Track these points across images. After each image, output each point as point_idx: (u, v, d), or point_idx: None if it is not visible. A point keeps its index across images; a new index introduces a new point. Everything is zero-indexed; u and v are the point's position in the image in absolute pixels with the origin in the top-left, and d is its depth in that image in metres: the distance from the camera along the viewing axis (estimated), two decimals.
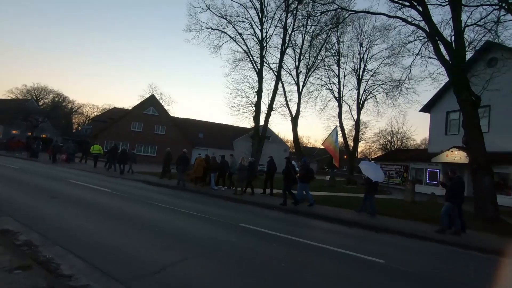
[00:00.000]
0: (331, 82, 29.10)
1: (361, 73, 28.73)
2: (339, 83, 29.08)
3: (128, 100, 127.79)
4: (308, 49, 24.45)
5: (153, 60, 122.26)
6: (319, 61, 25.12)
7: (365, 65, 28.69)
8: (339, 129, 30.30)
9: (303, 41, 23.35)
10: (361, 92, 28.92)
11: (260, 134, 20.53)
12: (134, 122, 35.80)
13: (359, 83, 28.85)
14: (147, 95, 37.02)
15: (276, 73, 20.86)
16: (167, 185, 13.30)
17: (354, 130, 29.62)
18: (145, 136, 35.66)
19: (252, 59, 20.12)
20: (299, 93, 24.45)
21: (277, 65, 20.64)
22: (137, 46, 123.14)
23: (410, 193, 13.04)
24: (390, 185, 22.82)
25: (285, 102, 24.20)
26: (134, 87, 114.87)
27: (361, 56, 28.57)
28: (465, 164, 16.93)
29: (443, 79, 15.76)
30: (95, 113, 77.81)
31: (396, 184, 23.15)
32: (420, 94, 56.18)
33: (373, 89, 28.64)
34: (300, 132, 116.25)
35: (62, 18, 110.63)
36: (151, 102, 37.19)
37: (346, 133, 29.85)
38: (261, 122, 21.30)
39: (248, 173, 11.74)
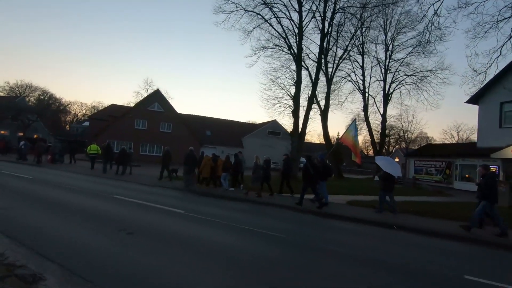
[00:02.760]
0: (355, 73, 27.05)
1: (387, 63, 26.78)
2: (363, 74, 27.09)
3: (122, 97, 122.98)
4: (337, 37, 22.18)
5: (148, 54, 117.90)
6: (349, 50, 22.92)
7: (391, 54, 26.71)
8: (359, 122, 28.36)
9: (330, 29, 20.93)
10: (387, 83, 26.99)
11: (300, 131, 18.11)
12: (138, 120, 32.99)
13: (385, 74, 26.91)
14: (143, 91, 34.52)
15: (316, 61, 18.35)
16: (175, 187, 11.91)
17: (380, 124, 27.65)
18: (150, 134, 32.92)
19: (290, 45, 17.73)
20: (329, 85, 22.23)
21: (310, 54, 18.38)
22: (127, 38, 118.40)
23: (507, 197, 11.12)
24: (428, 183, 21.03)
25: (311, 95, 21.81)
26: (126, 82, 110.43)
27: (387, 45, 26.58)
28: None
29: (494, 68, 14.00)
30: (84, 111, 74.08)
31: (436, 181, 21.36)
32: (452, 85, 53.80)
33: (400, 81, 26.72)
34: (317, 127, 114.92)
35: (41, 10, 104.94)
36: (156, 98, 34.39)
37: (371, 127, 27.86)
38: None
39: (264, 173, 10.94)
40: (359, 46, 25.82)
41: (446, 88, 50.41)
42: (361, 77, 27.16)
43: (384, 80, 27.07)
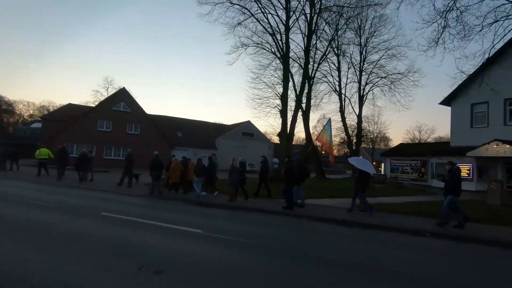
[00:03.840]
0: (331, 74, 27.32)
1: (362, 65, 27.45)
2: (339, 75, 27.49)
3: (78, 96, 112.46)
4: (316, 38, 22.02)
5: (107, 50, 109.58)
6: (328, 52, 22.94)
7: (365, 57, 27.44)
8: (333, 122, 28.76)
9: (315, 28, 20.77)
10: (362, 85, 27.68)
11: (289, 132, 17.41)
12: (101, 121, 29.94)
13: (360, 76, 27.57)
14: (103, 90, 31.53)
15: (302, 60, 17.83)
16: (139, 194, 10.65)
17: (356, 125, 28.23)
18: (115, 136, 30.07)
19: (277, 43, 16.94)
20: (310, 85, 22.00)
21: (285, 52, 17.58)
22: (82, 33, 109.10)
23: (499, 195, 11.48)
24: (404, 181, 21.80)
25: (299, 95, 21.37)
26: (81, 81, 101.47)
27: (362, 47, 27.25)
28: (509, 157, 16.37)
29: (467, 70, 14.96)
30: (32, 111, 66.36)
31: (412, 180, 22.23)
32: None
33: (374, 83, 27.56)
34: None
35: None
36: (121, 97, 31.55)
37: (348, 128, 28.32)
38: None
39: (240, 175, 10.39)
40: (335, 48, 26.09)
41: (416, 90, 53.87)
42: (337, 79, 27.52)
43: (359, 82, 27.75)
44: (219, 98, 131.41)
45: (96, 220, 6.53)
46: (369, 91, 27.67)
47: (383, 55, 26.51)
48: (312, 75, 22.87)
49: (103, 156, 29.69)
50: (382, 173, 23.80)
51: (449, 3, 11.56)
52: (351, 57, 27.97)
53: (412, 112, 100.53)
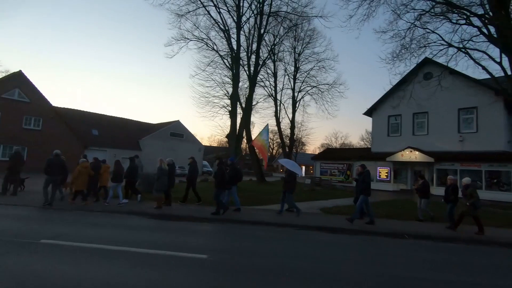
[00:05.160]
0: (268, 79, 27.94)
1: (295, 73, 28.95)
2: (275, 81, 28.32)
3: None
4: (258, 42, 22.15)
5: None
6: (268, 57, 23.27)
7: (298, 65, 29.05)
8: (271, 127, 29.64)
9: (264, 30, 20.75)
10: (296, 91, 29.16)
11: (238, 133, 16.55)
12: None
13: (294, 83, 29.00)
14: None
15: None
16: (26, 204, 8.86)
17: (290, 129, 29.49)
18: (6, 131, 23.69)
19: (229, 39, 15.93)
20: (252, 86, 21.77)
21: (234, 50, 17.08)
22: None
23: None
24: (333, 183, 23.78)
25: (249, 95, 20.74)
26: None
27: (296, 56, 28.77)
28: (418, 162, 19.47)
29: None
30: None
31: (339, 181, 24.41)
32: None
33: (307, 91, 29.41)
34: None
35: None
36: (16, 83, 25.06)
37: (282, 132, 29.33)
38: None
39: (168, 179, 9.49)
40: (271, 54, 26.78)
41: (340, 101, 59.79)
42: (273, 84, 28.27)
43: (293, 89, 29.13)
44: (143, 94, 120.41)
45: None
46: (301, 98, 29.30)
47: (314, 66, 28.54)
48: (254, 78, 22.83)
49: None
50: (315, 176, 25.33)
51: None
52: (285, 65, 29.19)
53: (329, 120, 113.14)
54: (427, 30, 13.09)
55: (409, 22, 13.49)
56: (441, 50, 13.04)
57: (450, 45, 12.67)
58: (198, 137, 43.10)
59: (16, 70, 25.86)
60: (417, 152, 18.96)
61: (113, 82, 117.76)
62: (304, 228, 7.61)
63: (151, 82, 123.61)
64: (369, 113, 23.50)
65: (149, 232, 6.45)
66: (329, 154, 27.44)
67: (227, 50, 16.45)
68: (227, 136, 17.70)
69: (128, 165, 10.34)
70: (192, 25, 17.69)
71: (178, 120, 38.47)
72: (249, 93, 17.78)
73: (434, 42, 13.07)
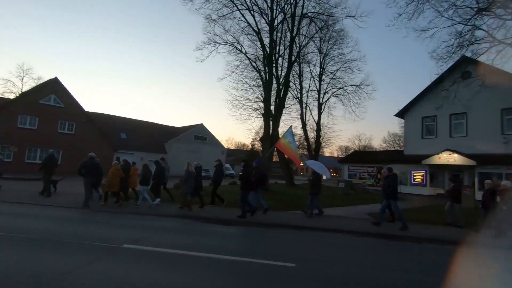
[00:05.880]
0: (293, 82, 27.65)
1: (321, 74, 28.53)
2: (300, 82, 28.00)
3: None
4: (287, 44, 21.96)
5: (24, 29, 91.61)
6: (296, 58, 23.00)
7: (324, 67, 28.60)
8: (294, 129, 29.20)
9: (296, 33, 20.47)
10: (321, 93, 28.72)
11: (271, 136, 16.36)
12: (23, 116, 24.26)
13: (320, 85, 28.58)
14: (16, 79, 25.89)
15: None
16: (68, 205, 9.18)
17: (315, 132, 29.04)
18: (42, 135, 24.74)
19: (261, 41, 15.92)
20: (286, 88, 21.54)
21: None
22: None
23: (472, 199, 12.71)
24: (366, 187, 23.11)
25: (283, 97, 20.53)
26: None
27: (321, 57, 28.34)
28: (457, 165, 18.56)
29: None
30: None
31: (369, 185, 23.70)
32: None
33: (333, 92, 28.89)
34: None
35: None
36: (52, 89, 26.20)
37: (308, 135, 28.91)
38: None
39: (196, 181, 9.64)
40: (299, 56, 26.50)
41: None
42: (298, 86, 27.96)
43: (318, 90, 28.69)
44: (165, 98, 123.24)
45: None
46: (327, 100, 28.82)
47: (340, 67, 27.99)
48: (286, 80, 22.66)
49: (24, 160, 24.11)
50: (343, 178, 24.72)
51: None
52: (309, 66, 28.80)
53: (351, 123, 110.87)
54: (474, 26, 12.46)
55: (452, 19, 12.93)
56: (488, 47, 12.37)
57: (500, 41, 11.98)
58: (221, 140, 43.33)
59: (52, 77, 27.09)
60: (456, 155, 18.08)
61: (135, 86, 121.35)
62: (365, 235, 7.34)
63: (174, 86, 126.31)
64: (400, 114, 22.74)
65: (222, 238, 6.48)
66: (357, 157, 26.77)
67: (255, 53, 16.55)
68: (261, 139, 17.60)
69: (155, 168, 10.55)
70: (222, 29, 17.61)
71: (202, 123, 38.91)
72: (282, 95, 17.57)
73: (482, 38, 12.42)
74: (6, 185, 12.96)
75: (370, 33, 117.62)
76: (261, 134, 62.73)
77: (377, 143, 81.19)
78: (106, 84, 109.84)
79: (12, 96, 36.19)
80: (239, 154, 62.37)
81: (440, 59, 13.49)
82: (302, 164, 14.09)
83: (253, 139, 67.82)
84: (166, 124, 32.18)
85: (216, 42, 18.07)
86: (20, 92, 38.43)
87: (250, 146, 67.05)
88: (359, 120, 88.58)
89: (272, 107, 17.39)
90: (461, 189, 9.59)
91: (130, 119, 36.36)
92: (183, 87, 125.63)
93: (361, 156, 26.46)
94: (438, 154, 18.76)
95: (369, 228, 8.01)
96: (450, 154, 18.26)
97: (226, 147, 68.16)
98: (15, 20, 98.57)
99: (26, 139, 24.02)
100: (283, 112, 18.63)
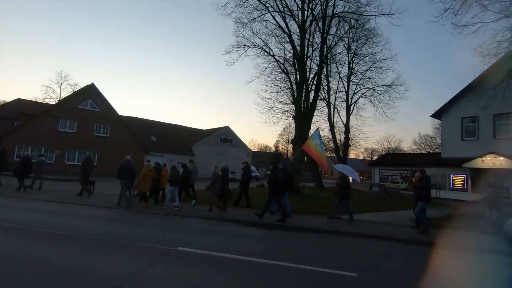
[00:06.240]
0: (321, 82, 27.14)
1: (350, 75, 27.83)
2: (328, 84, 27.48)
3: (25, 91, 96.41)
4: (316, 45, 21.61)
5: (61, 38, 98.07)
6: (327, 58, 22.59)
7: (353, 67, 27.88)
8: (322, 131, 28.63)
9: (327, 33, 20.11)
10: (350, 94, 28.02)
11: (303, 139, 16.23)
12: (63, 120, 25.80)
13: (348, 85, 27.90)
14: (55, 85, 27.44)
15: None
16: (107, 205, 9.55)
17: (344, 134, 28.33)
18: (80, 138, 26.16)
19: (293, 43, 15.85)
20: (317, 90, 21.16)
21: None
22: (30, 18, 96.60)
23: None
24: (399, 191, 22.18)
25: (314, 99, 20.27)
26: (28, 74, 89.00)
27: (349, 57, 27.65)
28: (503, 170, 17.30)
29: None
30: None
31: (402, 189, 22.72)
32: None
33: (362, 93, 28.09)
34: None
35: None
36: (89, 94, 27.67)
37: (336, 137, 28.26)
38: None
39: (223, 183, 9.69)
40: (327, 56, 26.02)
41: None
42: (326, 87, 27.46)
43: (347, 91, 28.02)
44: (192, 101, 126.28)
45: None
46: (356, 101, 28.07)
47: (370, 67, 27.16)
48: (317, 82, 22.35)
49: (64, 161, 25.58)
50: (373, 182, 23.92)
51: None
52: (342, 66, 28.18)
53: (380, 124, 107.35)
54: None
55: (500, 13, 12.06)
56: None
57: None
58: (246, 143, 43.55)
59: (89, 83, 28.60)
60: (502, 158, 16.86)
61: (163, 89, 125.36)
62: (412, 243, 7.04)
63: (199, 88, 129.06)
64: (437, 115, 21.63)
65: (272, 241, 6.59)
66: (389, 159, 25.79)
67: (283, 55, 16.48)
68: (292, 142, 17.45)
69: (183, 170, 10.90)
70: (251, 32, 17.75)
71: (228, 126, 39.33)
72: (314, 97, 17.36)
73: None
74: (50, 186, 13.77)
75: (402, 31, 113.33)
76: (284, 136, 62.22)
77: (407, 145, 77.84)
78: (136, 87, 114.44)
79: (52, 102, 38.72)
80: (262, 156, 62.35)
81: (487, 55, 12.62)
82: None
83: (276, 141, 67.45)
84: (193, 126, 32.79)
85: (245, 45, 18.26)
86: (59, 98, 41.03)
87: (273, 148, 66.95)
88: (390, 122, 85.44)
89: (302, 109, 17.18)
90: (498, 195, 8.93)
91: (159, 122, 37.55)
92: (207, 89, 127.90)
93: (393, 159, 25.47)
94: (481, 157, 17.59)
95: (416, 236, 7.65)
96: (495, 157, 17.06)
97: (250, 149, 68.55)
98: (52, 28, 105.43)
99: (66, 142, 25.51)
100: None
